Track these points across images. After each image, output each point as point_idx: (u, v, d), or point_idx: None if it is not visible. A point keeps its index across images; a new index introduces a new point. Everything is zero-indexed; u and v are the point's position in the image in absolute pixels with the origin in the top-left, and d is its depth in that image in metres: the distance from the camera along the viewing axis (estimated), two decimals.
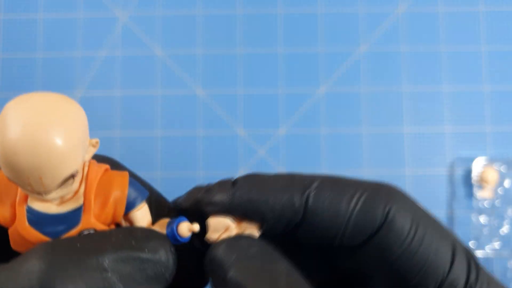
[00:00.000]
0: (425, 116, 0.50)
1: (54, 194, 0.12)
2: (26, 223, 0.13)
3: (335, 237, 0.14)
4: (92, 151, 0.13)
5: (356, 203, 0.14)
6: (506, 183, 0.48)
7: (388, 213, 0.14)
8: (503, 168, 0.48)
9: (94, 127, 0.51)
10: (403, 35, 0.51)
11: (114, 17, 0.51)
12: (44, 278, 0.11)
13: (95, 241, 0.13)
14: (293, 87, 0.51)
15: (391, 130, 0.50)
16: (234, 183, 0.15)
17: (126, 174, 0.14)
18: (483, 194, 0.47)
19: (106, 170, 0.14)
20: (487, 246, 0.47)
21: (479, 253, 0.48)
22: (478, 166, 0.48)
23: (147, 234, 0.13)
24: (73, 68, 0.51)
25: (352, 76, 0.50)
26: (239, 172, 0.49)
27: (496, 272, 0.48)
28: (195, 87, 0.51)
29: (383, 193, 0.15)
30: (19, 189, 0.13)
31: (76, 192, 0.13)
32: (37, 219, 0.13)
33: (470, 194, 0.48)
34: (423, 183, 0.49)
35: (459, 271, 0.14)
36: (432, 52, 0.51)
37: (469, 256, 0.15)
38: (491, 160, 0.48)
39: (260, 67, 0.51)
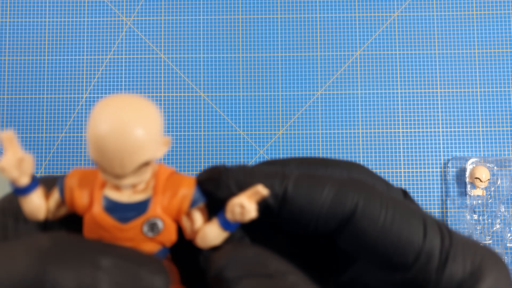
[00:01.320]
0: (420, 117, 0.51)
1: (129, 180, 0.14)
2: (102, 208, 0.15)
3: (310, 224, 0.16)
4: (164, 149, 0.15)
5: (328, 193, 0.16)
6: (498, 182, 0.49)
7: (357, 201, 0.16)
8: (495, 167, 0.49)
9: None
10: (399, 38, 0.52)
11: (119, 21, 0.53)
12: (41, 256, 0.12)
13: (104, 244, 0.13)
14: (292, 89, 0.51)
15: (387, 130, 0.51)
16: (226, 170, 0.16)
17: (194, 177, 0.16)
18: (476, 192, 0.48)
19: (174, 171, 0.16)
20: (480, 243, 0.48)
21: None
22: (471, 165, 0.49)
23: (151, 258, 0.14)
24: (78, 70, 0.52)
25: (349, 78, 0.51)
26: None
27: None
28: (197, 89, 0.52)
29: (352, 185, 0.16)
30: (97, 181, 0.15)
31: (147, 185, 0.15)
32: (110, 206, 0.15)
33: (463, 192, 0.49)
34: (418, 182, 0.50)
35: (433, 240, 0.15)
36: (427, 54, 0.52)
37: (440, 225, 0.16)
38: (484, 160, 0.49)
39: (260, 69, 0.52)
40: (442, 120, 0.51)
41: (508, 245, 0.48)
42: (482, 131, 0.50)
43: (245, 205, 0.15)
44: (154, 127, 0.14)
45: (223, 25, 0.52)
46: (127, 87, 0.52)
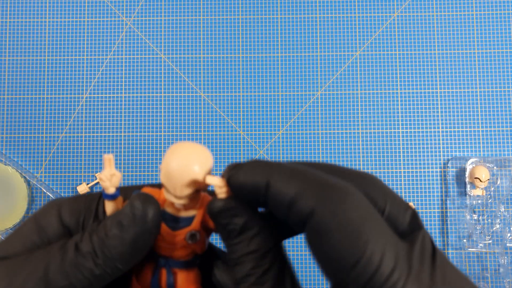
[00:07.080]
0: (420, 117, 0.51)
1: (182, 201, 0.20)
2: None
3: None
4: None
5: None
6: (498, 182, 0.49)
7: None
8: (495, 167, 0.49)
9: (99, 128, 0.53)
10: (399, 38, 0.52)
11: (119, 21, 0.53)
12: None
13: None
14: (292, 89, 0.52)
15: (387, 130, 0.51)
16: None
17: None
18: (476, 192, 0.48)
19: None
20: (480, 243, 0.48)
21: (472, 250, 0.48)
22: (471, 165, 0.49)
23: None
24: (78, 70, 0.52)
25: (349, 78, 0.52)
26: None
27: (488, 268, 0.49)
28: (197, 89, 0.52)
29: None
30: (159, 199, 0.20)
31: (193, 206, 0.20)
32: (166, 217, 0.20)
33: (463, 192, 0.49)
34: (418, 182, 0.50)
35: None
36: (427, 54, 0.52)
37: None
38: (484, 160, 0.49)
39: (260, 69, 0.52)
40: (442, 120, 0.51)
41: (508, 245, 0.48)
42: (482, 131, 0.50)
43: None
44: (206, 167, 0.19)
45: (223, 25, 0.52)
46: (127, 87, 0.52)
